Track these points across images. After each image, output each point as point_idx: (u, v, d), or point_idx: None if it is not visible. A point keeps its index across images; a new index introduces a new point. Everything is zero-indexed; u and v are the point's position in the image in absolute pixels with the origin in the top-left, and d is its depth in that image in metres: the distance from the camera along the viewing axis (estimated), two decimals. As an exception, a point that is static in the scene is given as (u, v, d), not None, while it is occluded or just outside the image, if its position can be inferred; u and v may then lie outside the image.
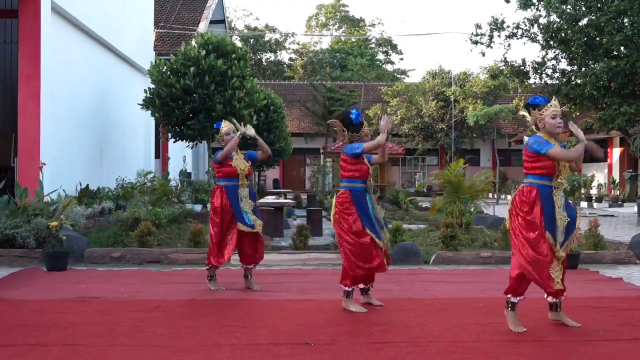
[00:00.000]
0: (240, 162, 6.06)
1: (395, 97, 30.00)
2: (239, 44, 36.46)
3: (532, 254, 4.35)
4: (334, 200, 5.27)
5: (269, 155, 6.31)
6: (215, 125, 6.43)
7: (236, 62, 13.34)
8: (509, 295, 4.57)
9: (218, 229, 5.96)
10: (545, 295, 4.57)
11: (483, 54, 21.02)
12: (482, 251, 8.39)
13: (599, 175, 25.11)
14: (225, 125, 6.18)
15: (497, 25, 19.28)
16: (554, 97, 4.66)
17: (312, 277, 6.92)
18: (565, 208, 4.48)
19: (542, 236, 4.36)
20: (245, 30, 48.35)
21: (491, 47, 19.89)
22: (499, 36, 19.57)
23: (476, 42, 19.85)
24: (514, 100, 26.77)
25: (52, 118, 10.94)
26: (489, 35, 19.61)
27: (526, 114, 4.70)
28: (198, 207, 12.75)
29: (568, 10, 17.27)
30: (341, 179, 5.28)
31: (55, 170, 10.81)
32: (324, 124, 27.27)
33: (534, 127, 4.65)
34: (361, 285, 5.28)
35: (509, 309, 4.58)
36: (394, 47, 50.28)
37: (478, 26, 19.83)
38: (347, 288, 5.16)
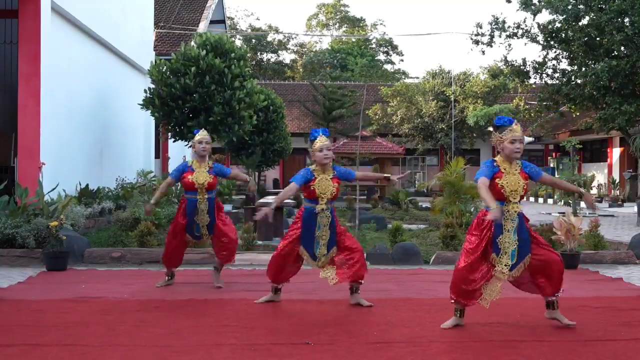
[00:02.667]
0: (200, 176, 6.06)
1: (395, 97, 29.98)
2: (238, 43, 36.46)
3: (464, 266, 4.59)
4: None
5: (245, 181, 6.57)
6: (194, 131, 6.48)
7: (235, 61, 13.34)
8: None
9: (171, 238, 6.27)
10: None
11: (483, 52, 20.97)
12: (482, 251, 8.37)
13: (599, 175, 25.11)
14: (200, 135, 6.20)
15: (498, 24, 19.26)
16: (515, 122, 4.65)
17: (312, 277, 6.90)
18: (517, 231, 4.54)
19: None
20: (249, 31, 48.37)
21: (491, 46, 19.88)
22: (499, 36, 19.56)
23: (477, 42, 19.83)
24: (514, 100, 26.75)
25: (52, 118, 10.94)
26: (489, 35, 19.59)
27: (493, 131, 4.72)
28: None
29: (569, 7, 17.25)
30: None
31: (55, 170, 10.81)
32: (324, 124, 27.27)
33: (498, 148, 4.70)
34: (349, 285, 5.40)
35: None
36: (394, 48, 50.29)
37: (479, 25, 19.81)
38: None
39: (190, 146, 6.35)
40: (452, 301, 4.68)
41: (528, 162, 4.76)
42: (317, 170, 5.34)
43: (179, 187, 14.65)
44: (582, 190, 4.93)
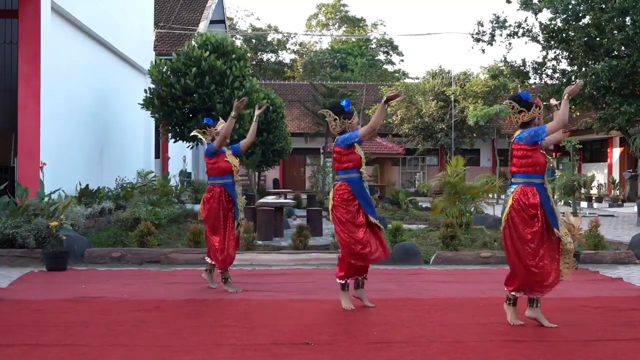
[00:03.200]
0: (232, 159, 6.07)
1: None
2: (238, 43, 36.45)
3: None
4: (331, 193, 5.30)
5: (252, 141, 6.29)
6: (206, 120, 6.35)
7: (236, 62, 13.34)
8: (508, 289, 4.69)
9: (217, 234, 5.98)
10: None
11: (483, 51, 20.94)
12: (482, 251, 8.39)
13: (599, 175, 25.11)
14: (220, 124, 6.21)
15: (499, 23, 19.25)
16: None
17: (312, 277, 6.92)
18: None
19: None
20: (249, 31, 48.38)
21: (492, 45, 19.88)
22: (500, 35, 19.55)
23: (478, 40, 19.82)
24: None
25: (52, 118, 10.94)
26: (490, 33, 19.59)
27: (524, 110, 4.68)
28: (198, 207, 12.74)
29: (570, 7, 17.24)
30: (335, 171, 5.30)
31: (55, 170, 10.81)
32: (324, 124, 27.23)
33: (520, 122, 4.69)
34: (354, 278, 5.31)
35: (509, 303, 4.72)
36: (394, 48, 50.28)
37: (480, 24, 19.81)
38: (341, 281, 5.22)
39: (196, 142, 6.29)
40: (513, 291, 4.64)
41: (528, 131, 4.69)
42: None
43: (178, 187, 14.68)
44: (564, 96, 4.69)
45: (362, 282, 5.37)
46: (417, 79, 38.44)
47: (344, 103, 5.36)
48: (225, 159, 6.03)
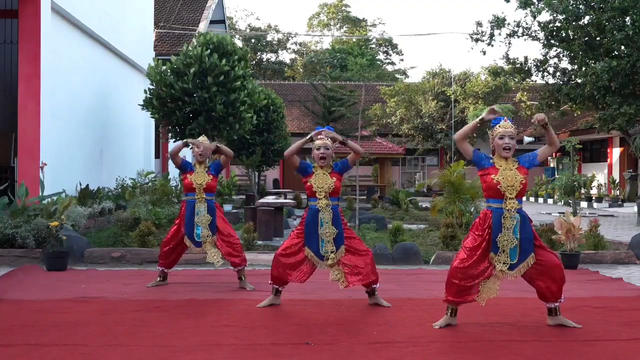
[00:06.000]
0: (196, 177, 6.10)
1: (393, 96, 29.94)
2: (239, 43, 36.40)
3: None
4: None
5: (229, 158, 6.39)
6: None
7: (238, 62, 13.34)
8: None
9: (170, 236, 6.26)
10: None
11: (484, 53, 20.93)
12: (482, 251, 8.37)
13: (599, 175, 25.11)
14: (202, 137, 6.31)
15: (499, 22, 19.23)
16: (504, 119, 4.66)
17: (312, 277, 6.89)
18: (519, 230, 4.50)
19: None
20: (248, 30, 48.38)
21: (492, 45, 19.85)
22: (499, 34, 19.53)
23: (477, 40, 19.80)
24: (517, 95, 26.58)
25: (52, 118, 10.94)
26: (489, 33, 19.57)
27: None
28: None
29: (569, 8, 17.23)
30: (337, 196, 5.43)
31: (55, 170, 10.81)
32: (324, 124, 27.22)
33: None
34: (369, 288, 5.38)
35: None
36: (394, 48, 50.30)
37: (479, 24, 19.78)
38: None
39: (190, 148, 6.37)
40: (445, 300, 4.66)
41: (524, 155, 4.67)
42: (316, 167, 5.39)
43: (179, 188, 14.67)
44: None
45: (374, 290, 5.39)
46: (410, 75, 38.36)
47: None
48: (189, 176, 6.11)
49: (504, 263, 4.49)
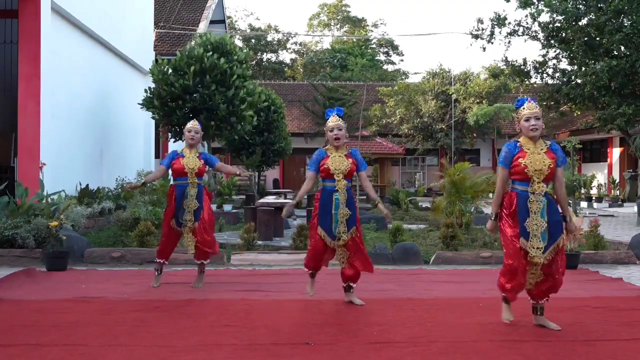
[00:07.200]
0: (190, 161, 6.13)
1: (392, 97, 29.94)
2: (239, 43, 36.39)
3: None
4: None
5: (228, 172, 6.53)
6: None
7: (238, 63, 13.35)
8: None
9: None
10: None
11: (484, 49, 20.90)
12: (482, 251, 8.38)
13: (599, 175, 25.11)
14: (190, 124, 6.32)
15: (500, 21, 19.22)
16: (528, 99, 4.58)
17: (312, 277, 6.91)
18: (546, 213, 4.44)
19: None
20: (248, 30, 48.39)
21: (492, 43, 19.83)
22: (499, 32, 19.52)
23: (477, 37, 19.78)
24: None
25: (52, 118, 10.94)
26: (490, 31, 19.56)
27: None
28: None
29: (569, 9, 17.23)
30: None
31: (55, 170, 10.81)
32: (324, 124, 27.20)
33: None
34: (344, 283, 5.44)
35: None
36: (394, 48, 50.29)
37: (480, 21, 19.78)
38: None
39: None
40: (504, 295, 4.67)
41: (559, 146, 4.60)
42: (330, 149, 5.41)
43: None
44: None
45: (350, 287, 5.42)
46: (408, 75, 38.29)
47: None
48: (182, 160, 6.13)
49: (537, 248, 4.40)
